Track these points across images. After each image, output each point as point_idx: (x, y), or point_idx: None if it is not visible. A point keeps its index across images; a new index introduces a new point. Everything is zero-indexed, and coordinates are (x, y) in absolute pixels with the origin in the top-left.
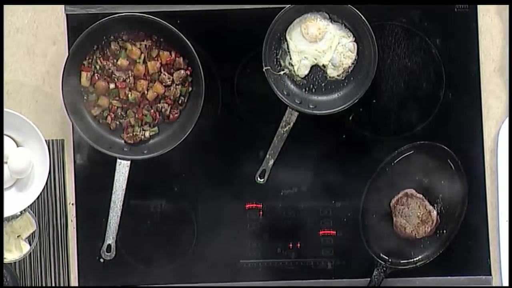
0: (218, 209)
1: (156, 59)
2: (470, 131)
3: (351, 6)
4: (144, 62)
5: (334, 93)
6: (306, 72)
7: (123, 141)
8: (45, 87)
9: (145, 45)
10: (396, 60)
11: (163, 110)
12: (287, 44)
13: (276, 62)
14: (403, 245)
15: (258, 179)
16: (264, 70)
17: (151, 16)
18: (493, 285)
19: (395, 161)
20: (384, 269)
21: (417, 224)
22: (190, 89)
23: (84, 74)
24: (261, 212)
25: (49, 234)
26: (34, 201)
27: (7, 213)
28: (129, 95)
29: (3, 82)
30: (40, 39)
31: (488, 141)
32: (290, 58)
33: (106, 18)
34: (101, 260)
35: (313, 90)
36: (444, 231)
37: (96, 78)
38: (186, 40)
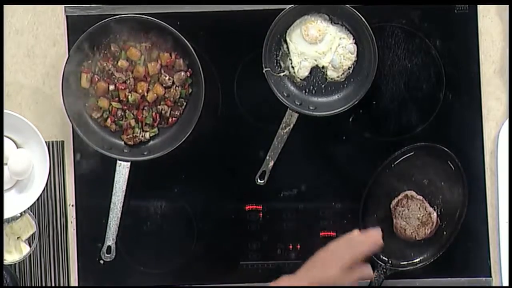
0: (218, 210)
1: (156, 60)
2: (470, 133)
3: (351, 7)
4: (144, 63)
5: (334, 94)
6: (306, 73)
7: (123, 143)
8: (45, 89)
9: (145, 47)
10: (396, 62)
11: (163, 111)
12: (287, 46)
13: (276, 64)
14: (403, 247)
15: (258, 180)
16: (264, 71)
17: (151, 18)
18: (493, 286)
19: (395, 163)
20: (384, 270)
21: (417, 226)
22: (190, 90)
23: (84, 75)
24: (261, 214)
25: (49, 236)
26: (34, 202)
27: (7, 214)
28: (129, 97)
29: (3, 83)
30: (40, 40)
31: (488, 142)
32: (290, 60)
33: (106, 20)
34: (101, 261)
35: (313, 91)
36: (444, 232)
37: (96, 79)
38: (186, 42)
